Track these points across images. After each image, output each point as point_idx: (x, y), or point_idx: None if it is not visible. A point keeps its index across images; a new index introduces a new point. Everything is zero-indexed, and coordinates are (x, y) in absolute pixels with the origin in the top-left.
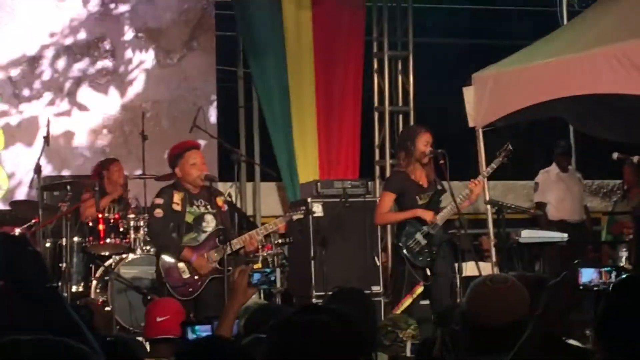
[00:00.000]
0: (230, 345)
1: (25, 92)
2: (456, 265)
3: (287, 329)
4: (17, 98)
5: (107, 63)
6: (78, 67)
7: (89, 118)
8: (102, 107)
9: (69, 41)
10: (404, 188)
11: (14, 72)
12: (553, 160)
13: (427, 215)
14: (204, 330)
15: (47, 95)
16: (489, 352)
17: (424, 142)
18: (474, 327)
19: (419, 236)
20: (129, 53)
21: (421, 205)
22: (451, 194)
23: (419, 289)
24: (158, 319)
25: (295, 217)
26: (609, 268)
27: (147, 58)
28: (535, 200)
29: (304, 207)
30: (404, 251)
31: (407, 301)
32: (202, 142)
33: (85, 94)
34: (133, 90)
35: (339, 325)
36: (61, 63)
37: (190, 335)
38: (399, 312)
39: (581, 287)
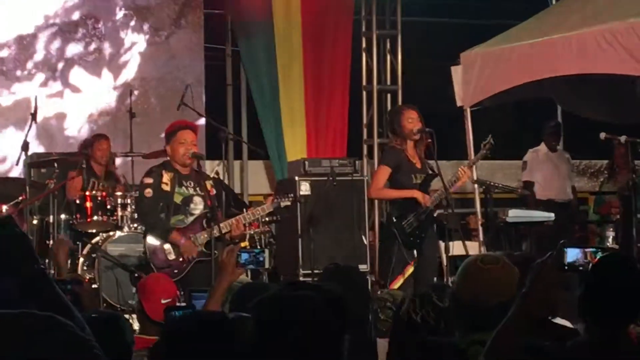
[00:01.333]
0: (217, 319)
1: (17, 73)
2: (442, 244)
3: (272, 304)
4: (9, 78)
5: (95, 42)
6: (67, 47)
7: (78, 97)
8: (90, 85)
9: (59, 20)
10: (400, 164)
11: (5, 53)
12: (542, 139)
13: (424, 199)
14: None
15: (39, 76)
16: (478, 331)
17: (408, 119)
18: (465, 306)
19: (412, 218)
20: (117, 31)
21: (415, 185)
22: (439, 174)
23: (410, 269)
24: (163, 301)
25: (283, 204)
26: (594, 249)
27: (135, 36)
28: (522, 179)
29: (292, 195)
30: (396, 231)
31: (399, 281)
32: (197, 125)
33: (74, 73)
34: (121, 69)
35: (324, 301)
36: (52, 43)
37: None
38: None
39: (566, 267)
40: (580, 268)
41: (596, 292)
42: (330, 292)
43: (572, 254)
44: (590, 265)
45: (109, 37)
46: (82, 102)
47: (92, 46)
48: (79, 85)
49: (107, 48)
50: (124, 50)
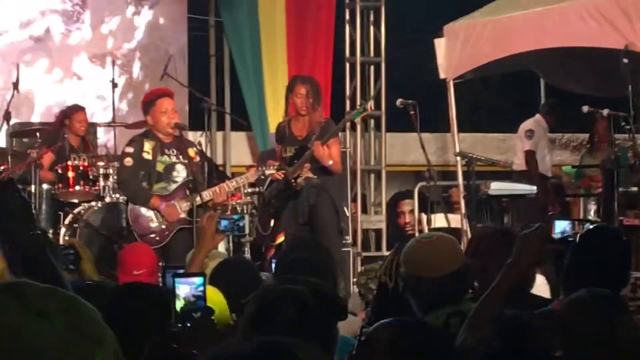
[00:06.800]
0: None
1: None
2: (425, 217)
3: (263, 299)
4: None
5: (77, 9)
6: (49, 7)
7: (59, 64)
8: (72, 54)
9: None
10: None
11: None
12: (541, 113)
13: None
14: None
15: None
16: (445, 305)
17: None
18: (418, 283)
19: (273, 188)
20: (101, 1)
21: (285, 158)
22: (422, 145)
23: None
24: (135, 273)
25: (267, 172)
26: (582, 221)
27: (118, 4)
28: (525, 149)
29: (277, 164)
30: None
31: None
32: (172, 91)
33: (57, 40)
34: (104, 38)
35: (313, 294)
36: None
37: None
38: None
39: (555, 238)
40: (569, 239)
41: (583, 261)
42: (319, 285)
43: (560, 226)
44: (578, 236)
45: (92, 7)
46: (61, 69)
47: (74, 13)
48: (60, 51)
49: (90, 18)
50: (106, 18)
